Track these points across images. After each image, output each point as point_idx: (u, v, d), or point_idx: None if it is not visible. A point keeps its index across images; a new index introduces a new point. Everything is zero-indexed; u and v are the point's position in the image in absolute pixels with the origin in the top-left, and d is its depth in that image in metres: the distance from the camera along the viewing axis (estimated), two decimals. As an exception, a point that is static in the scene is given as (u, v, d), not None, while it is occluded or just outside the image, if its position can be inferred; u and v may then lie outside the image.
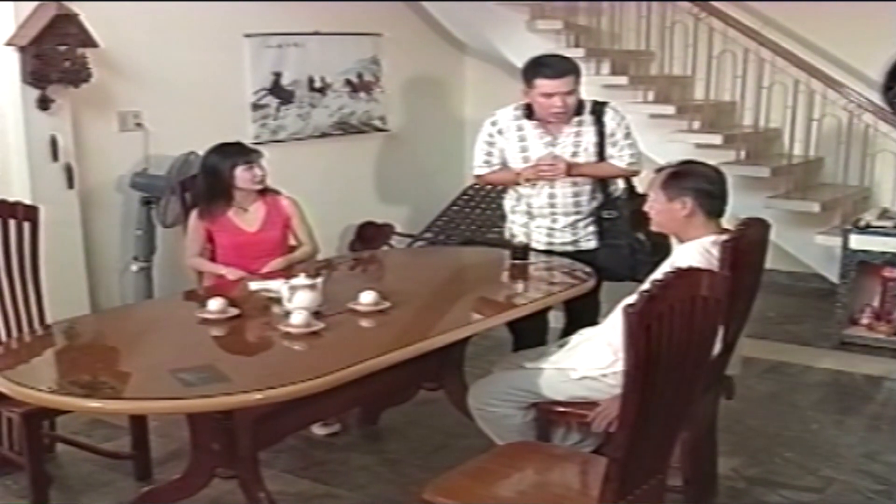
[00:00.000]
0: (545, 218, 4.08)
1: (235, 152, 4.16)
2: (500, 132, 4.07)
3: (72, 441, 3.87)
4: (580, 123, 3.99)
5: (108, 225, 5.30)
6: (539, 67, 3.90)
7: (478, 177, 4.28)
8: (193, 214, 4.21)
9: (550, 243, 4.10)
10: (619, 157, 4.01)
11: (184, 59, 5.50)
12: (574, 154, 3.98)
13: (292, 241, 4.30)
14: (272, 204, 4.23)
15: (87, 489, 3.67)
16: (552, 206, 4.05)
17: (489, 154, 4.12)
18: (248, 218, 4.19)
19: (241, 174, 4.12)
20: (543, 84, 3.86)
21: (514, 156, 4.05)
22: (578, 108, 3.98)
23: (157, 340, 3.27)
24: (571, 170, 3.94)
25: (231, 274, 4.03)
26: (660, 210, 3.21)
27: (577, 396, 3.17)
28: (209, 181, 4.17)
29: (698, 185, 3.14)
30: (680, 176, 3.18)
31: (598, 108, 4.02)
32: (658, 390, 2.28)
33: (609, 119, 4.00)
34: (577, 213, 4.06)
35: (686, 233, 3.17)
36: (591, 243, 4.08)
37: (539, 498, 2.69)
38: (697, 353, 2.40)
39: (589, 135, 3.99)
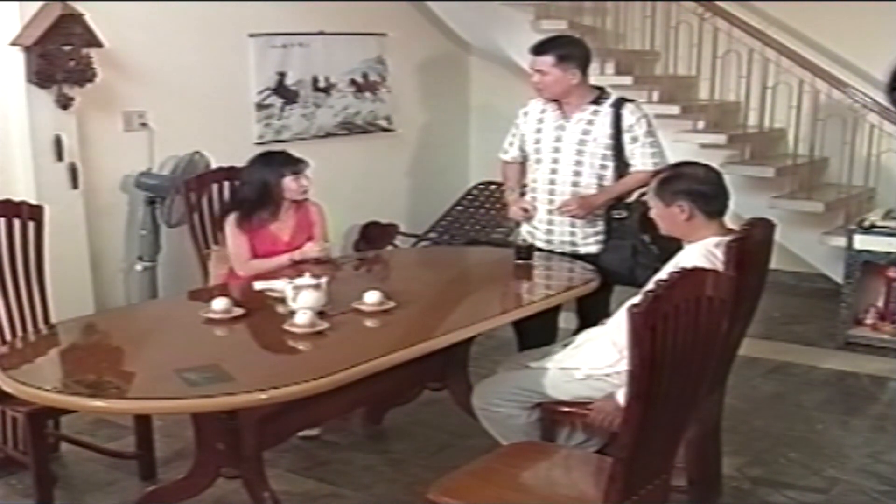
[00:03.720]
0: (544, 210, 4.11)
1: (283, 162, 4.08)
2: (525, 114, 4.19)
3: (76, 440, 3.88)
4: (595, 113, 4.00)
5: (112, 224, 5.31)
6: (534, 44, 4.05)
7: (503, 161, 4.36)
8: (231, 222, 4.02)
9: (549, 241, 4.11)
10: (641, 161, 3.97)
11: (188, 58, 5.51)
12: (581, 141, 3.99)
13: None
14: (302, 211, 4.16)
15: (91, 489, 3.68)
16: (551, 196, 4.08)
17: (513, 137, 4.26)
18: (283, 227, 4.10)
19: (288, 184, 4.03)
20: (529, 58, 4.04)
21: (529, 136, 4.15)
22: (597, 99, 4.01)
23: (161, 340, 3.28)
24: (596, 200, 3.99)
25: (299, 254, 3.98)
26: (661, 216, 3.22)
27: (581, 396, 3.17)
28: (258, 192, 4.02)
29: (690, 187, 3.12)
30: (671, 180, 3.19)
31: (619, 102, 4.02)
32: (663, 391, 2.28)
33: (628, 113, 3.98)
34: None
35: (692, 235, 3.16)
36: (590, 248, 4.06)
37: (544, 498, 2.69)
38: (702, 353, 2.39)
39: (603, 126, 3.98)
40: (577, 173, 4.01)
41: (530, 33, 6.39)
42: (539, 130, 4.10)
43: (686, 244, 3.20)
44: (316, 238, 4.18)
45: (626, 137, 3.98)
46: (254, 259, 4.02)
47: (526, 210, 4.16)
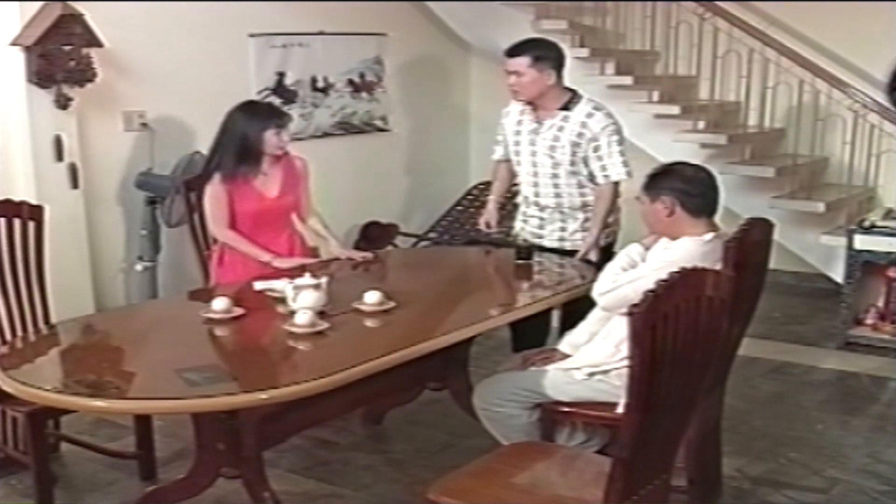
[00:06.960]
0: (534, 208, 4.19)
1: (267, 114, 3.95)
2: (507, 114, 4.22)
3: (76, 440, 3.87)
4: (565, 119, 4.02)
5: (112, 224, 5.31)
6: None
7: (494, 161, 4.42)
8: (215, 180, 3.90)
9: (540, 236, 4.17)
10: (613, 171, 4.00)
11: (189, 58, 5.51)
12: (552, 147, 4.03)
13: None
14: (287, 165, 4.02)
15: (91, 489, 3.68)
16: (537, 199, 4.15)
17: (499, 136, 4.30)
18: (268, 182, 3.96)
19: (269, 138, 3.88)
20: (504, 60, 4.04)
21: (510, 137, 4.20)
22: (566, 104, 4.02)
23: (161, 340, 3.28)
24: (595, 238, 4.05)
25: (281, 262, 3.81)
26: (646, 212, 3.23)
27: (582, 397, 3.17)
28: (237, 144, 3.87)
29: (674, 184, 3.15)
30: (657, 177, 3.22)
31: (588, 111, 4.01)
32: (663, 390, 2.28)
33: (595, 122, 3.98)
34: (560, 205, 4.11)
35: (675, 232, 3.16)
36: (578, 243, 4.10)
37: (544, 498, 2.69)
38: (703, 353, 2.39)
39: (571, 135, 4.01)
40: (556, 175, 4.08)
41: (530, 33, 6.34)
42: (518, 133, 4.15)
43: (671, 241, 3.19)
44: (302, 198, 4.08)
45: (589, 147, 3.99)
46: (233, 230, 3.91)
47: (488, 224, 4.37)
